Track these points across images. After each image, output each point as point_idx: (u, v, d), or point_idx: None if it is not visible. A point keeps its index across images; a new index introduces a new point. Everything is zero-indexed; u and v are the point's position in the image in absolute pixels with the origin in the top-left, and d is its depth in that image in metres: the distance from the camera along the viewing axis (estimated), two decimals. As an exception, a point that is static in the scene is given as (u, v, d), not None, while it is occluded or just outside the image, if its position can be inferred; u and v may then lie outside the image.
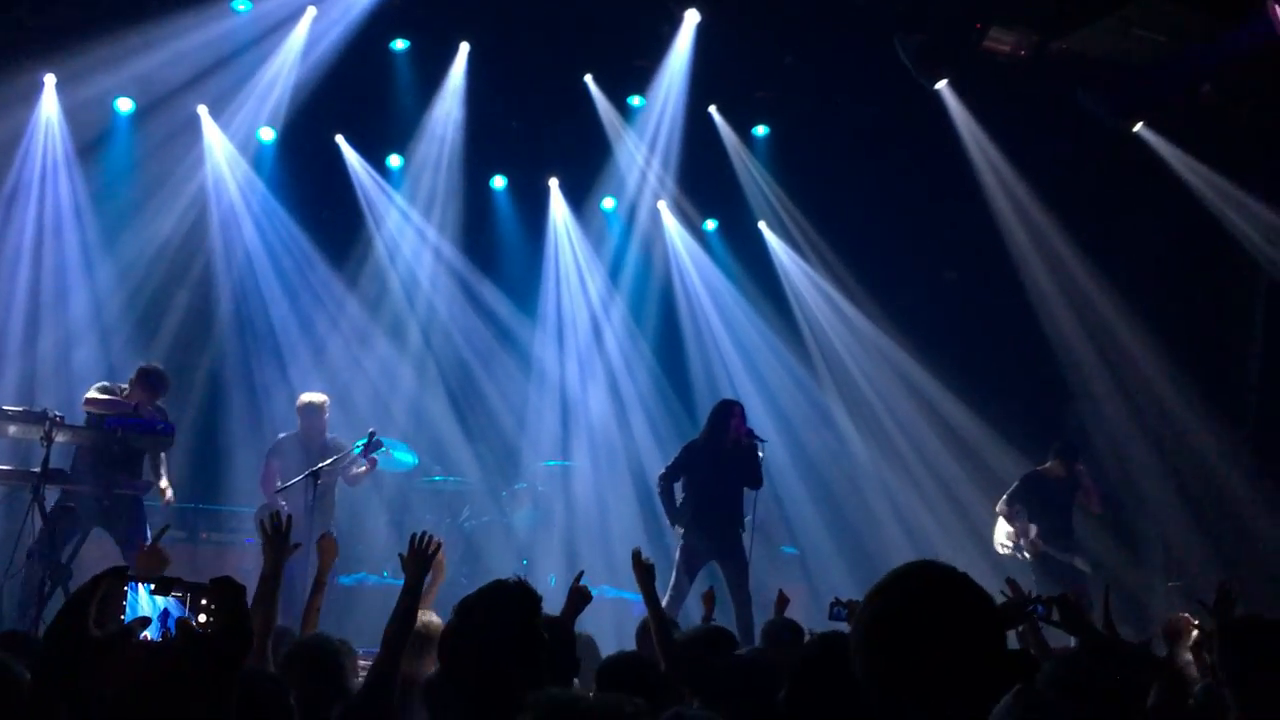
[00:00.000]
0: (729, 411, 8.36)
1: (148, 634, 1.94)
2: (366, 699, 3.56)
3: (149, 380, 7.72)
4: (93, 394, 7.59)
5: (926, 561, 1.92)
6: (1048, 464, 9.45)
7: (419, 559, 4.00)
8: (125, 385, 7.76)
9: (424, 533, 4.13)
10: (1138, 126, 10.77)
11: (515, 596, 2.95)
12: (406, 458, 9.98)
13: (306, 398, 8.83)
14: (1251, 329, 10.80)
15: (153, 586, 1.95)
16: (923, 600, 1.78)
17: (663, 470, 8.48)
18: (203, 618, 1.94)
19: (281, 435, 8.90)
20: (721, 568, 8.12)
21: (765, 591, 7.45)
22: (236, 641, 1.98)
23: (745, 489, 8.33)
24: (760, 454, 8.32)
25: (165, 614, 2.02)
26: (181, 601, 2.04)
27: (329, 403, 8.86)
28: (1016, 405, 10.96)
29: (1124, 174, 11.32)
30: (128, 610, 1.94)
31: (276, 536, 4.19)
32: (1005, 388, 11.13)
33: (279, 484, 8.30)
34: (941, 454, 11.44)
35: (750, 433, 8.32)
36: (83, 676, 2.12)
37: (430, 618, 4.30)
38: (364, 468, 8.69)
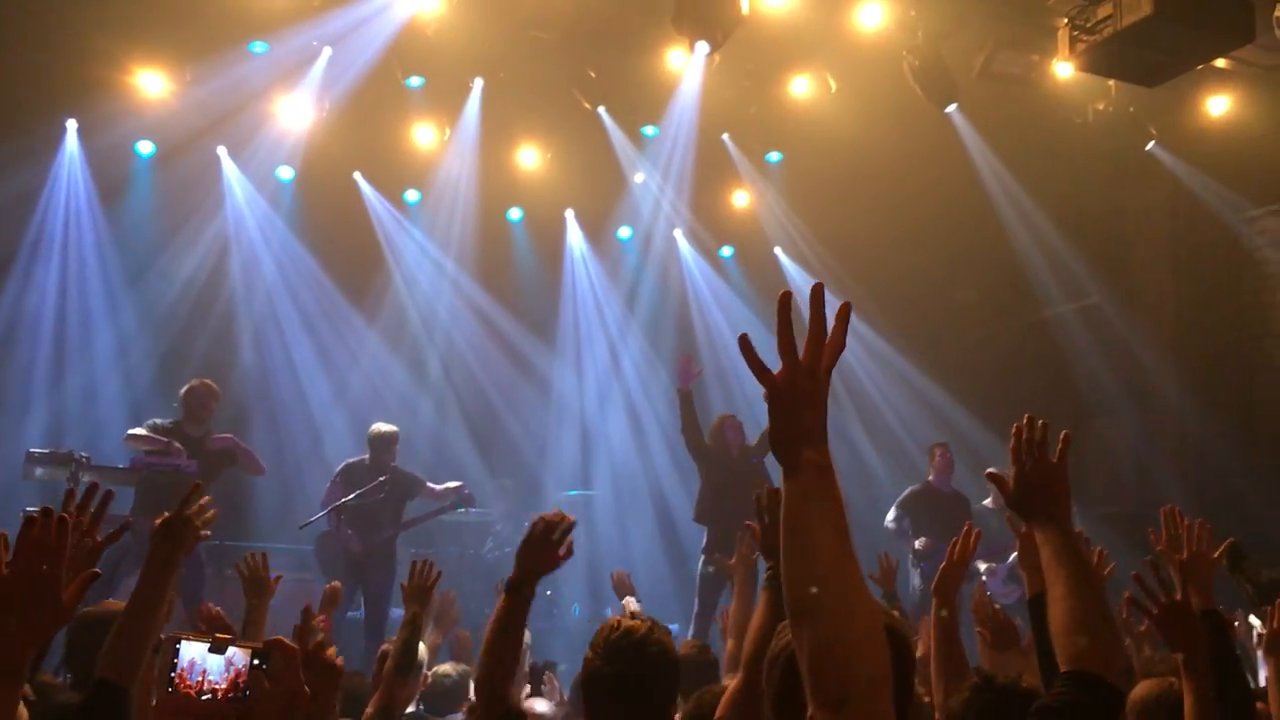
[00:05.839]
0: (722, 426, 8.57)
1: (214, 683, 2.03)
2: None
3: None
4: (136, 431, 7.76)
5: None
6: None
7: (418, 591, 3.99)
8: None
9: (424, 561, 4.09)
10: (1150, 145, 10.82)
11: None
12: None
13: (378, 428, 8.83)
14: (1267, 342, 10.79)
15: (209, 646, 2.03)
16: None
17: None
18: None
19: (349, 460, 8.86)
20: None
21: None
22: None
23: None
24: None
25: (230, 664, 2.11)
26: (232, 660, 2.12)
27: (398, 434, 8.86)
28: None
29: (1137, 190, 11.36)
30: (181, 664, 2.02)
31: (254, 578, 4.03)
32: (1024, 406, 11.09)
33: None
34: (961, 474, 11.43)
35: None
36: None
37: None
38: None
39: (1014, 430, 2.59)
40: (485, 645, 2.95)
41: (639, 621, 2.86)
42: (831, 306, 1.68)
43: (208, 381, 8.24)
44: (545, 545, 3.06)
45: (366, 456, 8.70)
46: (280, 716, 2.04)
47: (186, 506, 2.88)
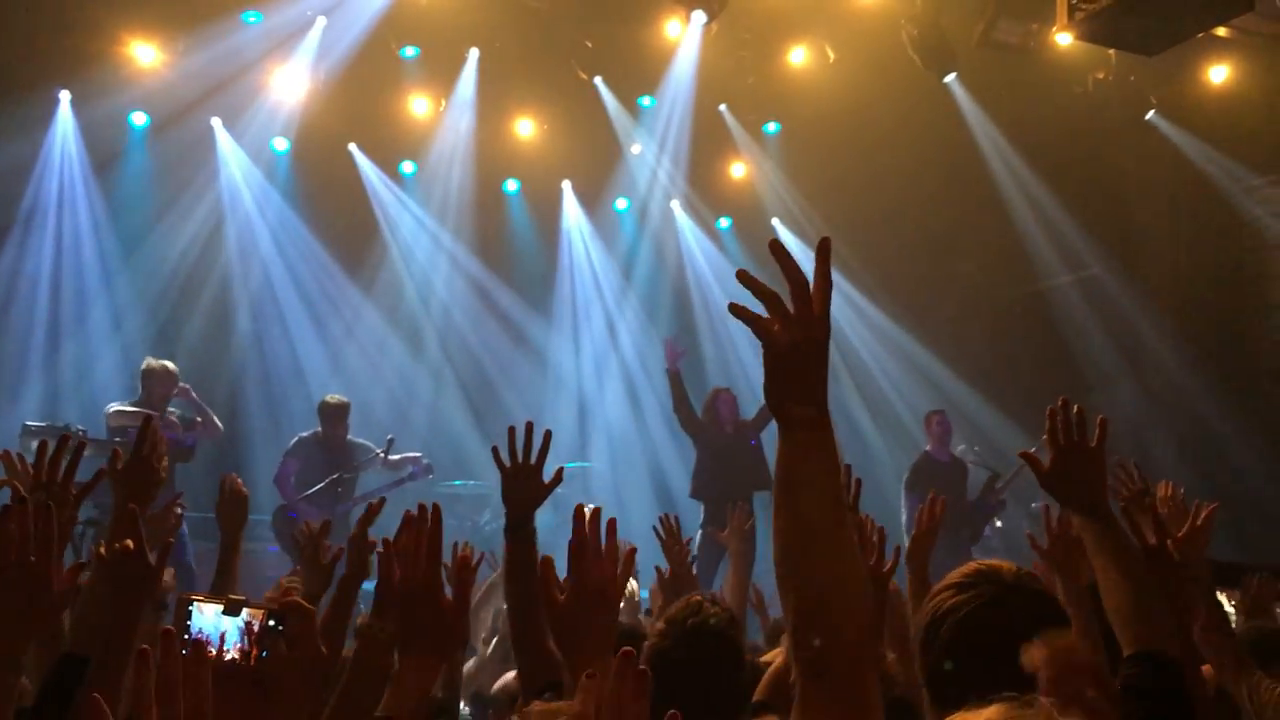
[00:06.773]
0: (715, 400, 8.57)
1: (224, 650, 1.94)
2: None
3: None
4: (123, 408, 7.72)
5: None
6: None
7: (461, 571, 3.92)
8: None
9: (464, 542, 4.04)
10: (1150, 114, 10.76)
11: None
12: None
13: (328, 399, 8.81)
14: (1267, 314, 10.76)
15: (223, 607, 1.95)
16: None
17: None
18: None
19: (302, 435, 8.78)
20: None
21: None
22: (318, 670, 2.02)
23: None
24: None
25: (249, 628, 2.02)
26: (252, 624, 2.04)
27: (350, 405, 8.85)
28: (1033, 396, 10.92)
29: (1137, 160, 11.30)
30: (192, 629, 1.95)
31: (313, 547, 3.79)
32: (1022, 378, 11.11)
33: (293, 484, 8.33)
34: (959, 447, 11.44)
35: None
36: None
37: None
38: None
39: (1049, 413, 2.52)
40: (508, 603, 2.89)
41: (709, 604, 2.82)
42: (837, 288, 1.65)
43: (167, 364, 8.02)
44: (525, 477, 3.00)
45: (319, 429, 8.55)
46: (298, 680, 2.00)
47: (142, 448, 2.78)
